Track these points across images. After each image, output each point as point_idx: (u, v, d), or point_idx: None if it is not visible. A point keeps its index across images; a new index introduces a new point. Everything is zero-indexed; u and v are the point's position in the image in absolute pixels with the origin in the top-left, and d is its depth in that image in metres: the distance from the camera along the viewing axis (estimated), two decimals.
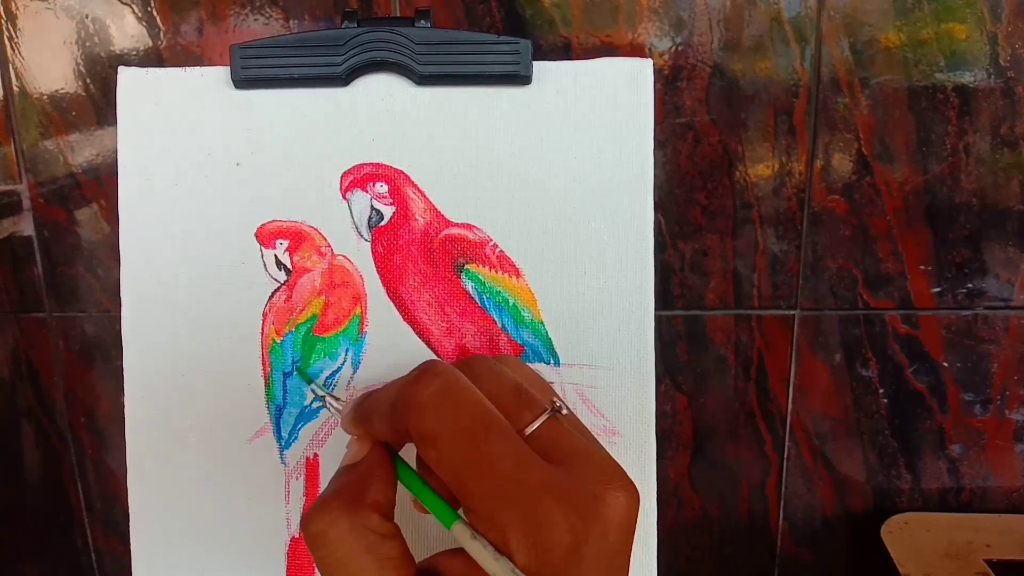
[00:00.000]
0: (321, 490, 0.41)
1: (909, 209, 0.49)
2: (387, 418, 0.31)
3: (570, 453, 0.30)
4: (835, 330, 0.51)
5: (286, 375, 0.40)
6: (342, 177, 0.40)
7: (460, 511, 0.30)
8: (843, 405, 0.52)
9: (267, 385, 0.40)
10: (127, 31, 0.47)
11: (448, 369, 0.30)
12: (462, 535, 0.28)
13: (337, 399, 0.38)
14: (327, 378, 0.40)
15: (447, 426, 0.28)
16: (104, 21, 0.47)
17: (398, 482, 0.32)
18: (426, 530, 0.39)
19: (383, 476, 0.31)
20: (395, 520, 0.31)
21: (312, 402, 0.41)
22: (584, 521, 0.28)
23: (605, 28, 0.46)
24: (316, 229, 0.40)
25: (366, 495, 0.30)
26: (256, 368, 0.40)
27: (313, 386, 0.40)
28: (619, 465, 0.30)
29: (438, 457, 0.28)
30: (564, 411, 0.32)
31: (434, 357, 0.41)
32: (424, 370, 0.30)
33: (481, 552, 0.28)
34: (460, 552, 0.29)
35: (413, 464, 0.32)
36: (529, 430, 0.30)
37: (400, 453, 0.33)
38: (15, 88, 0.48)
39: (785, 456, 0.53)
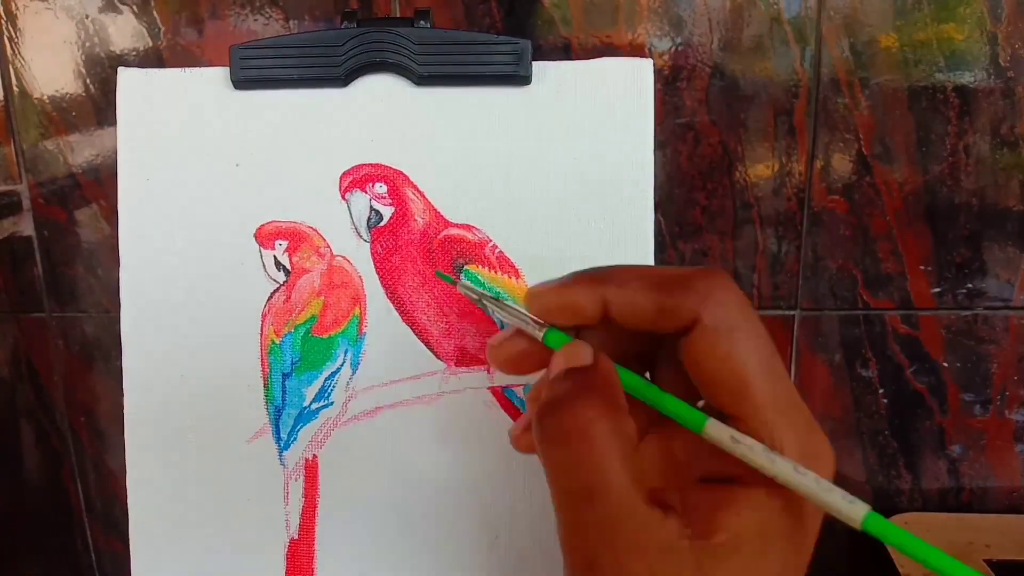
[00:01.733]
0: (320, 492, 0.41)
1: (909, 209, 0.48)
2: (662, 289, 0.26)
3: None
4: (835, 330, 0.51)
5: (285, 376, 0.40)
6: (341, 178, 0.40)
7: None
8: (843, 405, 0.52)
9: (266, 386, 0.41)
10: (127, 31, 0.47)
11: None
12: (720, 435, 0.25)
13: (497, 298, 0.32)
14: (325, 379, 0.41)
15: (752, 321, 0.26)
16: (104, 21, 0.47)
17: None
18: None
19: (619, 383, 0.27)
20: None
21: (310, 402, 0.41)
22: (834, 464, 0.26)
23: (605, 28, 0.46)
24: (315, 230, 0.40)
25: (620, 398, 0.26)
26: (255, 369, 0.40)
27: (463, 285, 0.34)
28: None
29: (730, 354, 0.25)
30: None
31: (433, 358, 0.40)
32: (708, 268, 0.27)
33: (751, 453, 0.24)
34: (683, 485, 0.27)
35: None
36: None
37: None
38: (15, 88, 0.48)
39: None
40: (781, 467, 0.24)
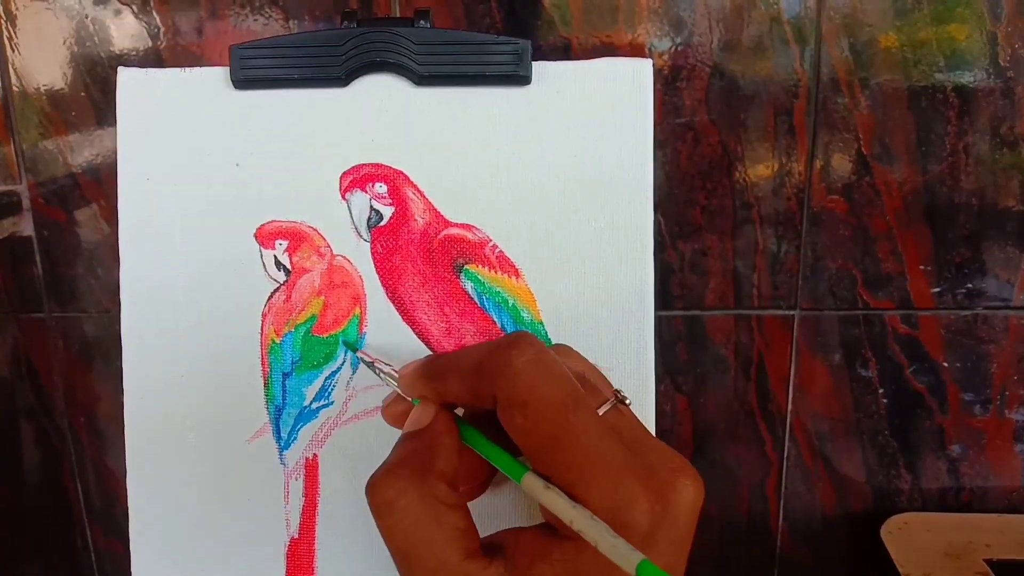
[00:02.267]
0: (321, 491, 0.41)
1: (909, 209, 0.49)
2: (468, 379, 0.31)
3: (637, 440, 0.30)
4: (835, 330, 0.51)
5: (285, 375, 0.40)
6: (341, 177, 0.40)
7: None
8: (843, 405, 0.52)
9: (266, 386, 0.41)
10: (127, 31, 0.47)
11: (540, 342, 0.30)
12: (534, 486, 0.28)
13: (388, 364, 0.37)
14: (326, 379, 0.41)
15: (538, 394, 0.28)
16: (104, 21, 0.47)
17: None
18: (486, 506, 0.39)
19: (449, 444, 0.31)
20: None
21: (311, 401, 0.41)
22: (662, 504, 0.28)
23: (605, 28, 0.46)
24: (315, 229, 0.40)
25: (434, 464, 0.30)
26: (255, 368, 0.40)
27: (360, 354, 0.40)
28: (683, 457, 0.30)
29: (524, 424, 0.28)
30: (628, 402, 0.32)
31: None
32: (519, 337, 0.30)
33: (557, 500, 0.27)
34: (524, 530, 0.29)
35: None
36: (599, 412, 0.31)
37: None
38: (15, 88, 0.48)
39: (785, 456, 0.53)
40: (579, 515, 0.27)
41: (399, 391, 0.35)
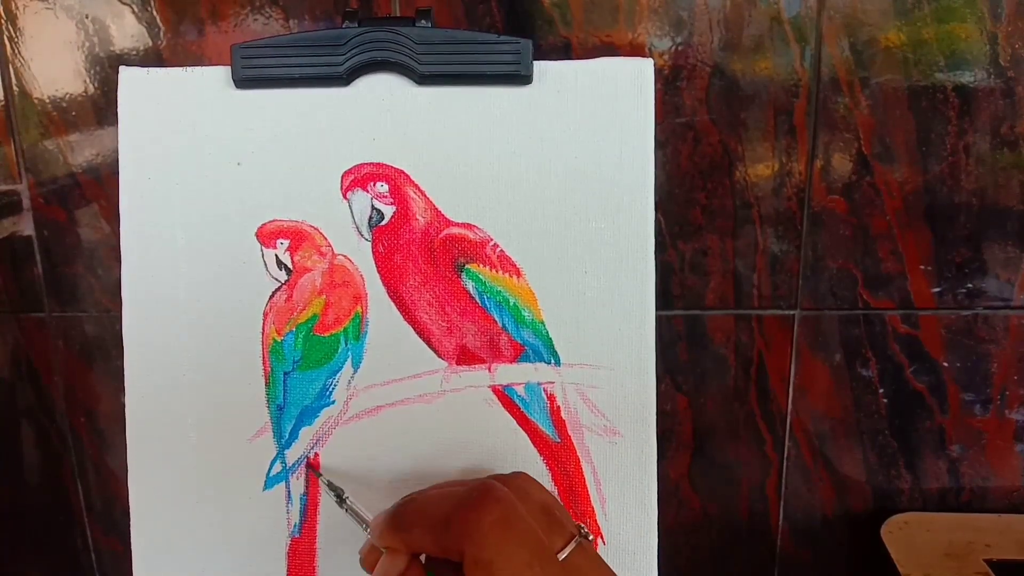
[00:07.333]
0: (321, 490, 0.41)
1: (909, 209, 0.49)
2: (436, 533, 0.32)
3: None
4: (835, 330, 0.51)
5: (286, 375, 0.40)
6: (343, 177, 0.40)
7: None
8: (843, 405, 0.52)
9: (267, 385, 0.40)
10: (127, 31, 0.47)
11: (507, 496, 0.31)
12: None
13: (362, 510, 0.38)
14: (327, 378, 0.41)
15: (505, 555, 0.30)
16: (104, 21, 0.47)
17: None
18: None
19: None
20: None
21: (312, 400, 0.41)
22: None
23: (605, 28, 0.46)
24: (317, 229, 0.40)
25: None
26: (257, 368, 0.40)
27: (327, 482, 0.40)
28: None
29: None
30: (590, 537, 0.34)
31: (434, 357, 0.40)
32: (486, 493, 0.31)
33: None
34: None
35: None
36: (561, 556, 0.31)
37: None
38: (15, 88, 0.48)
39: (785, 456, 0.53)
40: None
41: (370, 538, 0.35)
